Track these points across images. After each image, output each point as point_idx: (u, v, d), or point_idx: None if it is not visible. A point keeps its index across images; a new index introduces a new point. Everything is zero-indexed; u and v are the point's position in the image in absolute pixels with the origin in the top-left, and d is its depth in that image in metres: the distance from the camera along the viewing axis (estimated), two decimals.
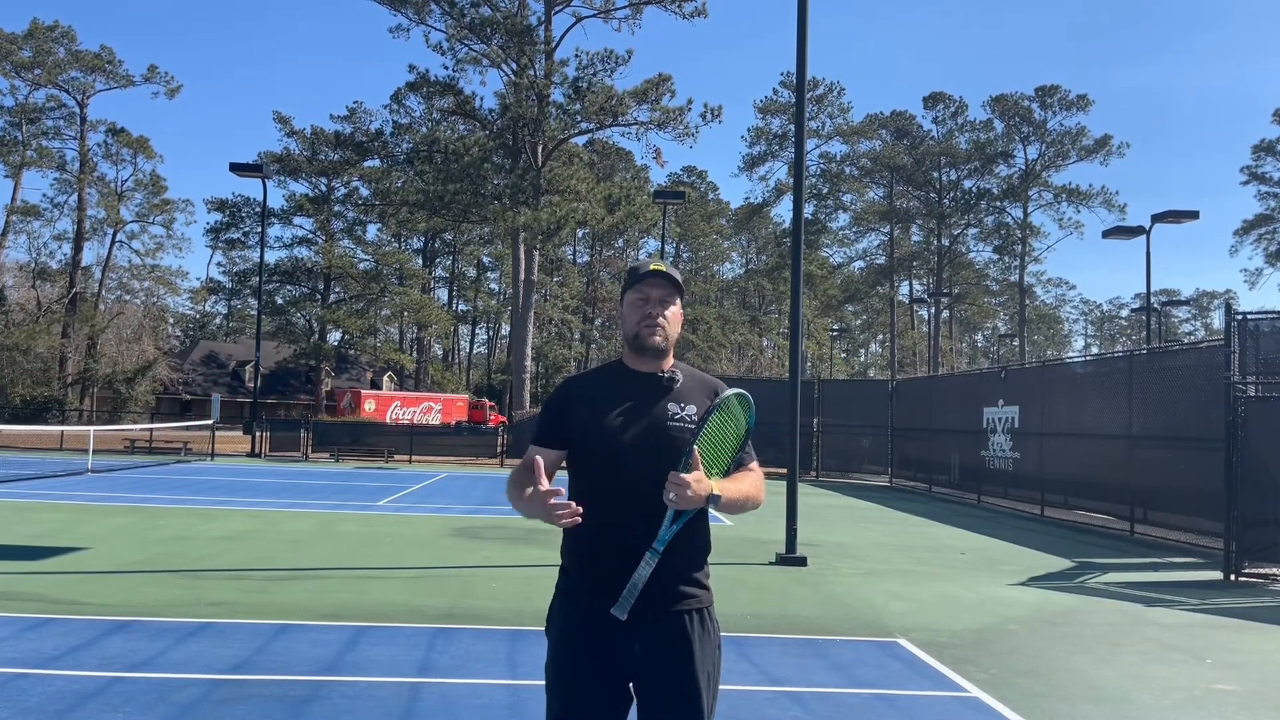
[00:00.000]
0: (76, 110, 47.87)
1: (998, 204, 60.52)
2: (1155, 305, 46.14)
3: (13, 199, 47.82)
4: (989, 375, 20.95)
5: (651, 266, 2.42)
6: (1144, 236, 27.70)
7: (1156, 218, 26.91)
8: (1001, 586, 9.15)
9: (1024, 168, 60.09)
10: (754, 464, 2.51)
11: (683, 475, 2.22)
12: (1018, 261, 62.41)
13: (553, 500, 2.17)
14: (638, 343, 2.40)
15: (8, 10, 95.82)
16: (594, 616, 2.30)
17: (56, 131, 48.14)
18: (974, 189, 60.27)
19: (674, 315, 2.43)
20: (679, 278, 2.44)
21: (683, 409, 2.38)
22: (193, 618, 6.53)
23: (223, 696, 4.79)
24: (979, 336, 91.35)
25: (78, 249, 48.17)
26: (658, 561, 2.26)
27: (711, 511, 2.37)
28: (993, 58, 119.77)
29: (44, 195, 55.69)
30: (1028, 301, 68.21)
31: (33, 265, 49.63)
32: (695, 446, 2.28)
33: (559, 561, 2.47)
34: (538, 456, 2.28)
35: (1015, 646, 6.62)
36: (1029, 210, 60.81)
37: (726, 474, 2.40)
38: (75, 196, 47.82)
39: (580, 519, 2.18)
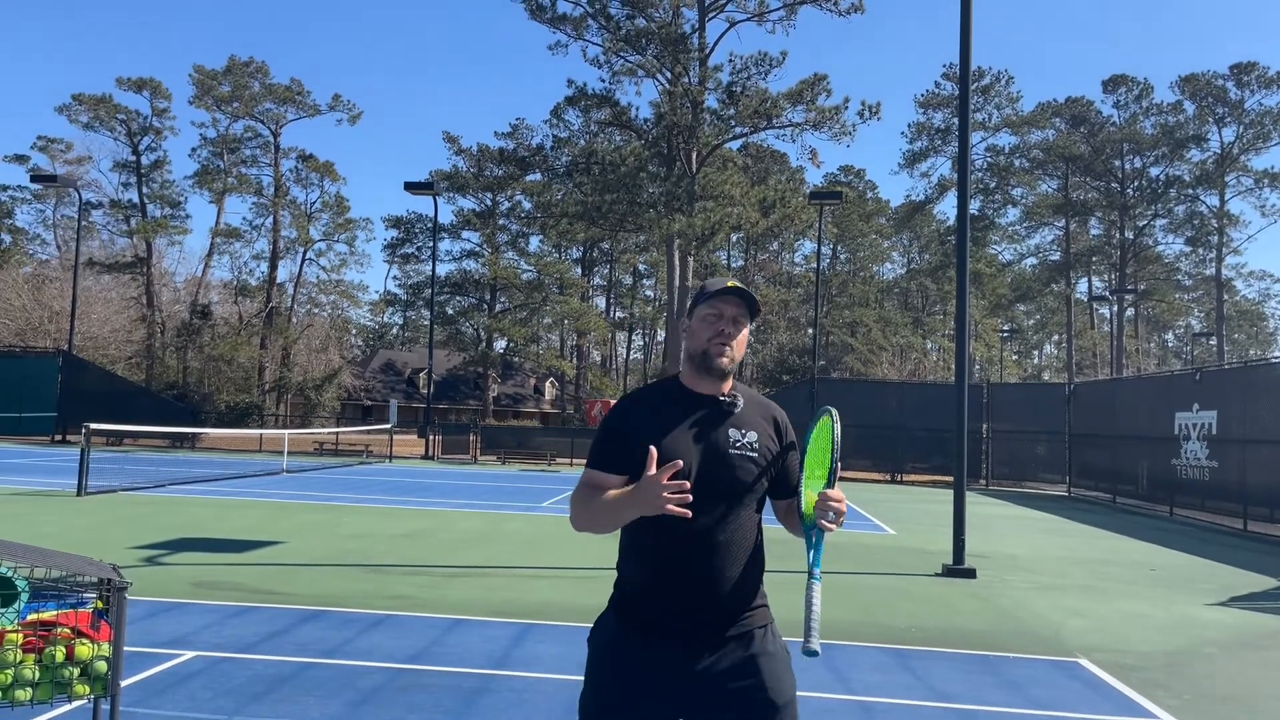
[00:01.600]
0: (270, 139, 52.09)
1: (1189, 191, 55.80)
2: None
3: (217, 222, 52.60)
4: (1181, 377, 19.38)
5: (729, 283, 2.32)
6: None
7: None
8: (1197, 606, 8.46)
9: (1219, 151, 55.21)
10: None
11: (833, 492, 2.15)
12: (1214, 253, 57.36)
13: (663, 481, 2.02)
14: (705, 361, 2.28)
15: (206, 48, 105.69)
16: (647, 638, 2.23)
17: (254, 159, 52.53)
18: (1162, 176, 55.86)
19: (742, 339, 2.32)
20: (757, 300, 2.34)
21: (744, 435, 2.26)
22: (376, 609, 6.97)
23: (403, 684, 5.09)
24: (1169, 336, 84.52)
25: (273, 267, 52.31)
26: (713, 581, 2.17)
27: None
28: (1178, 36, 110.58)
29: (243, 218, 61.04)
30: (1226, 297, 62.56)
31: (235, 283, 54.32)
32: (838, 462, 2.19)
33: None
34: (653, 448, 2.12)
35: (1212, 671, 6.11)
36: (1226, 197, 55.81)
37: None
38: (270, 219, 51.95)
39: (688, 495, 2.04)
